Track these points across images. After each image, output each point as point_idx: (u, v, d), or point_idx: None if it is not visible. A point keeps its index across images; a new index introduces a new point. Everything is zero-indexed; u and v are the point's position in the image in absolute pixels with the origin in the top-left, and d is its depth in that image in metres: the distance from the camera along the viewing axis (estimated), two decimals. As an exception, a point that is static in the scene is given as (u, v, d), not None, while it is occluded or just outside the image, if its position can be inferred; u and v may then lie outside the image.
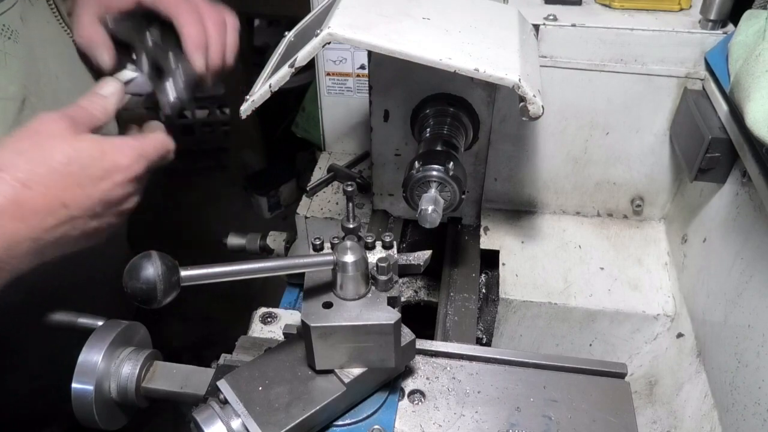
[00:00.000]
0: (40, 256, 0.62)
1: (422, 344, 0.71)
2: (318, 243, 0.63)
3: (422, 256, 0.64)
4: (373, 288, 0.61)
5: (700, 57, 0.86)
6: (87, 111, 0.68)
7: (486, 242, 1.01)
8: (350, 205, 0.58)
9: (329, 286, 0.61)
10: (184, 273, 0.53)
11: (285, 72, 0.68)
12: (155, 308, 0.67)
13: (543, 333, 0.97)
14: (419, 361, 0.70)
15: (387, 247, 0.61)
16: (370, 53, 0.88)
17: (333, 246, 0.62)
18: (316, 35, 0.65)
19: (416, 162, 0.75)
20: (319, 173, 1.19)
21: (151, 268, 0.51)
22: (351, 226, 0.59)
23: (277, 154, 3.10)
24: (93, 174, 0.63)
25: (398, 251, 0.64)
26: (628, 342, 0.96)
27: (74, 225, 0.63)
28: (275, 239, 1.20)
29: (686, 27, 0.85)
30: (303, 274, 0.63)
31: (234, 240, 1.21)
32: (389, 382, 0.66)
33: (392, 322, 0.58)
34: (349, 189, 0.57)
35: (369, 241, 0.61)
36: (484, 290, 0.97)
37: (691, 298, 0.89)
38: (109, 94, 0.72)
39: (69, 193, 0.61)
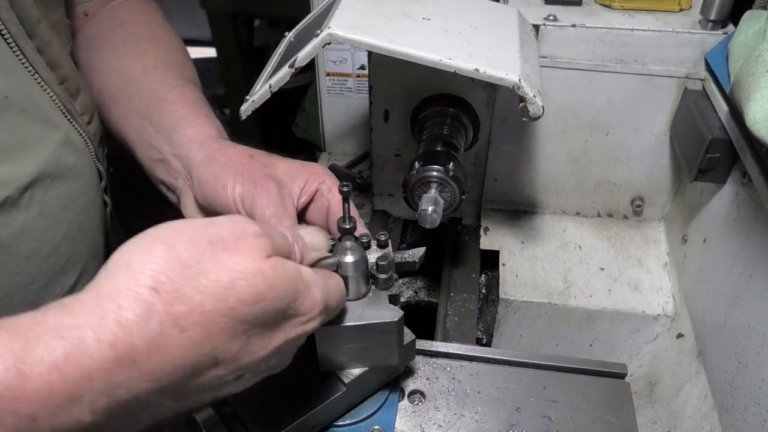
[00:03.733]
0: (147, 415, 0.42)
1: (422, 344, 0.71)
2: None
3: (417, 253, 0.64)
4: (373, 287, 0.61)
5: (700, 57, 0.86)
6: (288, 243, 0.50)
7: (486, 242, 1.01)
8: (346, 205, 0.58)
9: None
10: None
11: (285, 72, 0.68)
12: None
13: (543, 333, 0.97)
14: (419, 361, 0.70)
15: (382, 246, 0.61)
16: (370, 53, 0.88)
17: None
18: (316, 35, 0.65)
19: (416, 162, 0.75)
20: (319, 173, 1.18)
21: None
22: (347, 226, 0.59)
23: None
24: (268, 317, 0.44)
25: (398, 252, 0.64)
26: (628, 342, 0.96)
27: (214, 388, 0.44)
28: (275, 239, 1.19)
29: (686, 27, 0.85)
30: None
31: (234, 240, 1.20)
32: (389, 382, 0.66)
33: (396, 319, 0.58)
34: (345, 189, 0.57)
35: (365, 240, 0.61)
36: (484, 290, 0.97)
37: (691, 299, 0.89)
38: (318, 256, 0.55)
39: (230, 344, 0.42)
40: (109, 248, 0.88)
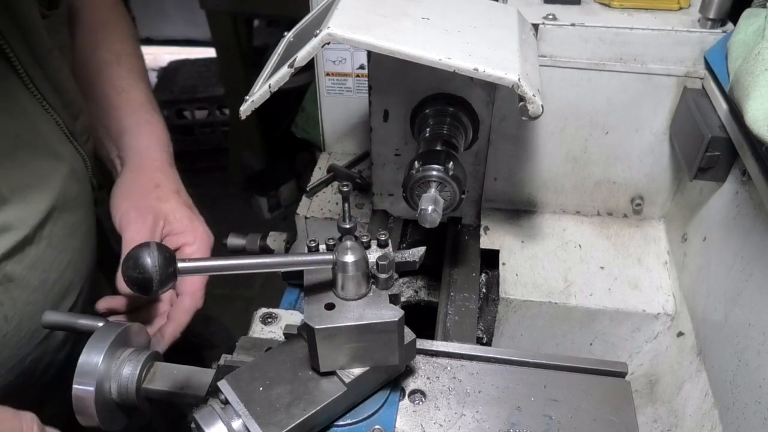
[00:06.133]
0: None
1: (423, 344, 0.71)
2: (313, 245, 0.63)
3: (417, 253, 0.64)
4: (373, 287, 0.61)
5: (700, 56, 0.86)
6: None
7: (486, 242, 1.01)
8: (346, 205, 0.58)
9: (329, 288, 0.61)
10: (181, 264, 0.53)
11: (284, 72, 0.68)
12: (152, 297, 0.66)
13: (543, 332, 0.97)
14: (420, 360, 0.70)
15: (382, 245, 0.62)
16: (369, 53, 0.88)
17: (329, 247, 0.62)
18: (316, 35, 0.65)
19: (416, 162, 0.75)
20: (318, 173, 1.19)
21: (149, 258, 0.51)
22: (347, 226, 0.59)
23: (276, 154, 3.10)
24: None
25: (398, 251, 0.64)
26: (628, 341, 0.96)
27: None
28: (275, 239, 1.19)
29: (685, 26, 0.85)
30: (302, 275, 0.63)
31: (234, 240, 1.21)
32: (390, 381, 0.66)
33: (396, 319, 0.58)
34: (345, 189, 0.57)
35: (364, 240, 0.61)
36: (484, 290, 0.97)
37: (691, 297, 0.89)
38: None
39: None
40: (99, 266, 0.92)
